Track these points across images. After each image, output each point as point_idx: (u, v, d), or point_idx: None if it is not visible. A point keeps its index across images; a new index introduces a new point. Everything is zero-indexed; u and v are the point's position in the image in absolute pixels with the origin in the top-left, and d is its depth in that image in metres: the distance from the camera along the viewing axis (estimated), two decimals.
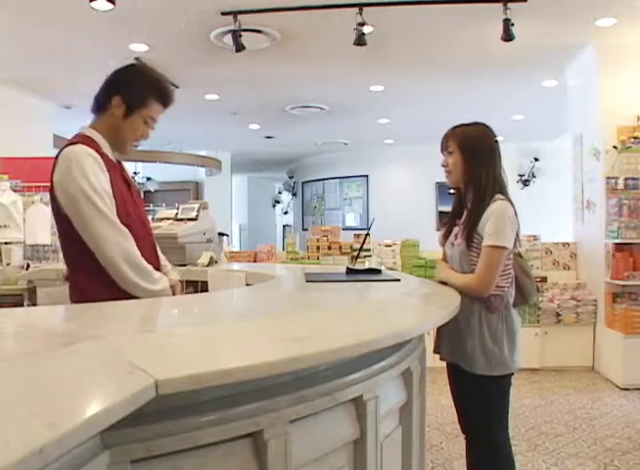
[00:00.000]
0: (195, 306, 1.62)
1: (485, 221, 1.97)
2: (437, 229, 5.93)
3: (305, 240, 5.81)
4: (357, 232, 6.07)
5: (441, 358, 2.15)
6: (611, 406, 4.05)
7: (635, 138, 4.72)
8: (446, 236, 2.18)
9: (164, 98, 1.99)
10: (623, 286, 4.73)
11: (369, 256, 3.44)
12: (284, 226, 15.82)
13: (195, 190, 11.67)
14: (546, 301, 5.15)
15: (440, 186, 9.87)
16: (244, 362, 0.90)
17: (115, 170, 1.94)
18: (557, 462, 3.05)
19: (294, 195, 13.64)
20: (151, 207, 10.56)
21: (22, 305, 3.67)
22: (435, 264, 2.46)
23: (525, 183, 10.06)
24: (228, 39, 4.62)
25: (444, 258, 2.20)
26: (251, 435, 1.03)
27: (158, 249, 2.13)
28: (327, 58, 5.49)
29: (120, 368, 0.82)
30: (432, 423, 3.62)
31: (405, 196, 10.65)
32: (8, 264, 4.45)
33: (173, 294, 2.01)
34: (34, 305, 3.40)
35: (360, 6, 4.11)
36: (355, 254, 2.75)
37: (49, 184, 1.88)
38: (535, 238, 5.47)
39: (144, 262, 1.87)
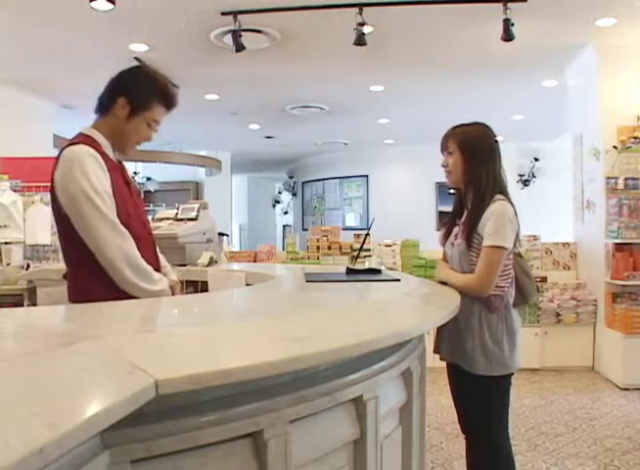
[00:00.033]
0: (195, 306, 1.62)
1: (485, 222, 1.97)
2: (437, 229, 5.95)
3: (305, 240, 5.82)
4: (357, 232, 6.07)
5: (441, 358, 2.15)
6: (611, 406, 4.05)
7: (635, 138, 4.73)
8: (446, 236, 2.18)
9: (168, 101, 2.00)
10: (623, 286, 4.73)
11: (369, 256, 3.45)
12: (284, 226, 15.82)
13: (195, 190, 11.67)
14: (546, 301, 5.15)
15: (440, 186, 9.87)
16: (244, 362, 0.90)
17: (116, 170, 1.94)
18: (557, 462, 3.05)
19: (294, 195, 13.64)
20: (151, 207, 10.57)
21: (22, 305, 3.67)
22: (435, 264, 2.46)
23: (525, 183, 10.07)
24: (228, 39, 4.63)
25: (444, 258, 2.20)
26: (251, 435, 1.03)
27: (157, 249, 2.13)
28: (327, 58, 5.49)
29: (120, 368, 0.82)
30: (432, 423, 3.62)
31: (405, 196, 10.65)
32: (8, 264, 4.45)
33: (173, 295, 2.01)
34: (34, 305, 3.40)
35: (360, 6, 4.11)
36: (355, 254, 2.75)
37: (49, 184, 1.88)
38: (535, 238, 5.47)
39: (144, 263, 1.87)
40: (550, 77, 6.04)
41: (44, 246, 4.77)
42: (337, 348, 1.04)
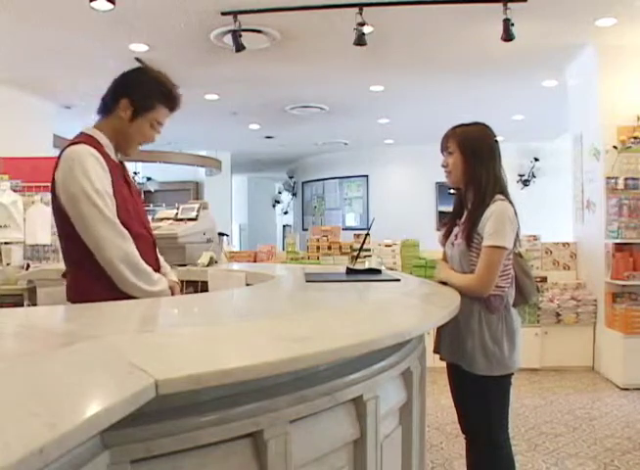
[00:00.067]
0: (195, 306, 1.62)
1: (485, 222, 1.97)
2: (437, 229, 5.93)
3: (305, 240, 5.82)
4: (357, 232, 6.08)
5: (441, 358, 2.15)
6: (611, 406, 4.05)
7: (635, 138, 4.73)
8: (446, 236, 2.18)
9: (172, 102, 1.99)
10: (623, 286, 4.73)
11: (369, 256, 3.45)
12: (284, 226, 15.82)
13: (195, 190, 11.67)
14: (546, 301, 5.15)
15: (440, 186, 9.87)
16: (244, 362, 0.90)
17: (117, 170, 1.94)
18: (557, 462, 3.05)
19: (294, 195, 13.64)
20: (151, 207, 10.57)
21: (22, 305, 3.67)
22: (435, 264, 2.46)
23: (525, 183, 10.07)
24: (228, 39, 4.63)
25: (444, 258, 2.21)
26: (251, 435, 1.03)
27: (157, 250, 2.13)
28: (327, 58, 5.49)
29: (120, 368, 0.82)
30: (432, 423, 3.62)
31: (405, 196, 10.65)
32: (8, 264, 4.45)
33: (172, 295, 2.01)
34: (34, 305, 3.40)
35: (360, 6, 4.11)
36: (355, 254, 2.75)
37: (49, 184, 1.88)
38: (535, 238, 5.48)
39: (143, 264, 1.87)
40: (550, 77, 6.04)
41: (44, 246, 4.77)
42: (337, 348, 1.04)
